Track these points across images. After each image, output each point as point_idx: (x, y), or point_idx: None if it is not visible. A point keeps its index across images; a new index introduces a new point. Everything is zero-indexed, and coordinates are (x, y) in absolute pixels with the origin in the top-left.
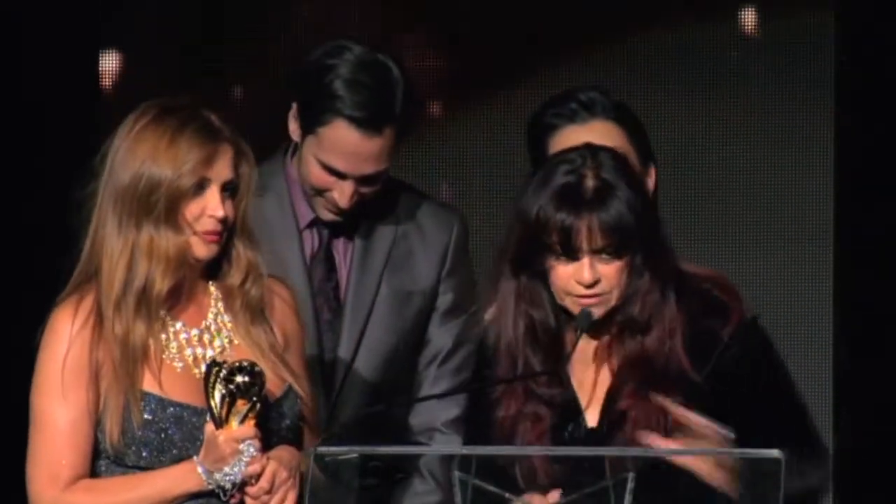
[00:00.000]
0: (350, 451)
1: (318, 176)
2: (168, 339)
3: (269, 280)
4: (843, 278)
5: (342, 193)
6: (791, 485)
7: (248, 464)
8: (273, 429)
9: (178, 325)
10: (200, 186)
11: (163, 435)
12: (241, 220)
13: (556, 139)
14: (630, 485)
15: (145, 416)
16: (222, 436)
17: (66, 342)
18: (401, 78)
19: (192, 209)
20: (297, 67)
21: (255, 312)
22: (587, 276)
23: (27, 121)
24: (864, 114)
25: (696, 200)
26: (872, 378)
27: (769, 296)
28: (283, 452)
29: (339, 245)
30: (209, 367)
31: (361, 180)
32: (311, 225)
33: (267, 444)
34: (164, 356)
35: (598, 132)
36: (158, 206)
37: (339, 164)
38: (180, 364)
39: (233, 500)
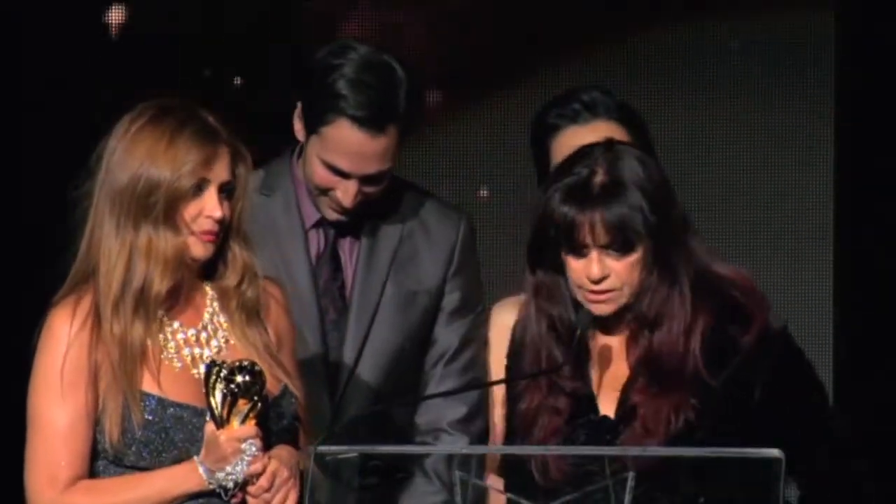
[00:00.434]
0: (350, 451)
1: (322, 175)
2: (166, 338)
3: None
4: (843, 278)
5: (346, 193)
6: None
7: (250, 463)
8: (272, 428)
9: (176, 324)
10: (199, 188)
11: (163, 435)
12: (236, 222)
13: (558, 140)
14: (630, 484)
15: (146, 416)
16: (224, 435)
17: (64, 343)
18: (404, 78)
19: (190, 210)
20: (302, 67)
21: (250, 313)
22: (595, 271)
23: (27, 120)
24: (864, 114)
25: (696, 200)
26: (872, 378)
27: (769, 296)
28: (283, 452)
29: (345, 245)
30: (209, 367)
31: (365, 180)
32: (316, 225)
33: (266, 444)
34: (162, 356)
35: (601, 133)
36: (157, 207)
37: (343, 164)
38: (179, 364)
39: (234, 500)
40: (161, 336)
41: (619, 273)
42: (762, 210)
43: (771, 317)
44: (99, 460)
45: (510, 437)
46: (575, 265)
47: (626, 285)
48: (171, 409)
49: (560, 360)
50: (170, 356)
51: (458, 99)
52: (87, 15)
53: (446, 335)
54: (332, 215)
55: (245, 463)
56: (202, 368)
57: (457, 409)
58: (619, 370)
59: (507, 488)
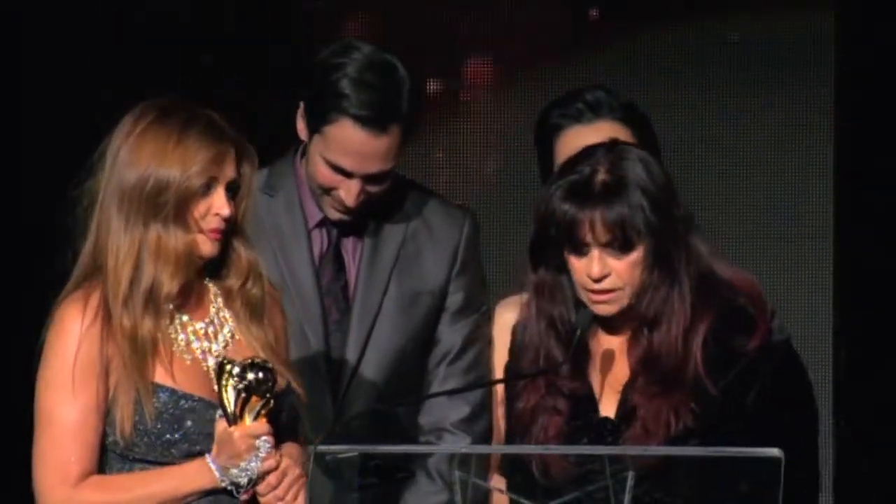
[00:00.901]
0: (350, 450)
1: (325, 175)
2: (176, 331)
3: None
4: (843, 278)
5: (349, 192)
6: None
7: (263, 459)
8: (279, 425)
9: (185, 317)
10: (208, 186)
11: (176, 426)
12: (240, 220)
13: (562, 139)
14: (630, 484)
15: (158, 408)
16: (238, 432)
17: (76, 338)
18: (407, 77)
19: (199, 208)
20: (305, 66)
21: (255, 311)
22: (595, 269)
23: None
24: (864, 114)
25: (697, 200)
26: (872, 379)
27: (769, 296)
28: (293, 449)
29: (349, 245)
30: (220, 364)
31: (368, 179)
32: (319, 225)
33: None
34: (173, 349)
35: (604, 132)
36: (167, 206)
37: (346, 163)
38: (189, 357)
39: (244, 496)
40: (171, 329)
41: (620, 272)
42: (762, 210)
43: (775, 326)
44: (107, 454)
45: (508, 436)
46: (577, 264)
47: (627, 285)
48: (184, 402)
49: (559, 360)
50: (181, 349)
51: (463, 97)
52: (87, 15)
53: (450, 335)
54: (335, 215)
55: (259, 459)
56: (212, 362)
57: (460, 409)
58: (620, 371)
59: (510, 488)
